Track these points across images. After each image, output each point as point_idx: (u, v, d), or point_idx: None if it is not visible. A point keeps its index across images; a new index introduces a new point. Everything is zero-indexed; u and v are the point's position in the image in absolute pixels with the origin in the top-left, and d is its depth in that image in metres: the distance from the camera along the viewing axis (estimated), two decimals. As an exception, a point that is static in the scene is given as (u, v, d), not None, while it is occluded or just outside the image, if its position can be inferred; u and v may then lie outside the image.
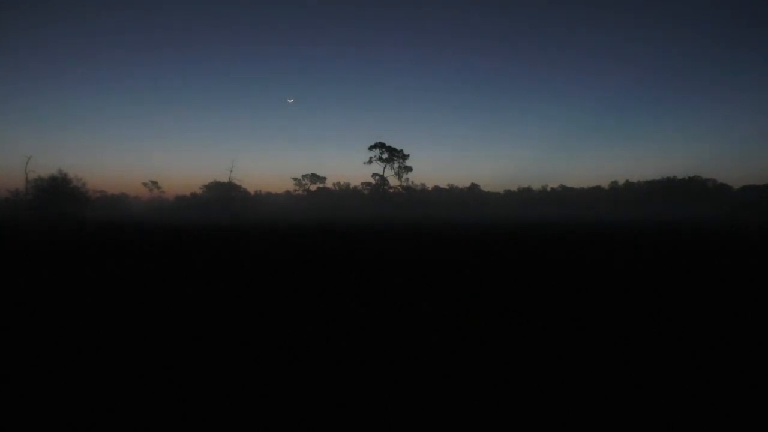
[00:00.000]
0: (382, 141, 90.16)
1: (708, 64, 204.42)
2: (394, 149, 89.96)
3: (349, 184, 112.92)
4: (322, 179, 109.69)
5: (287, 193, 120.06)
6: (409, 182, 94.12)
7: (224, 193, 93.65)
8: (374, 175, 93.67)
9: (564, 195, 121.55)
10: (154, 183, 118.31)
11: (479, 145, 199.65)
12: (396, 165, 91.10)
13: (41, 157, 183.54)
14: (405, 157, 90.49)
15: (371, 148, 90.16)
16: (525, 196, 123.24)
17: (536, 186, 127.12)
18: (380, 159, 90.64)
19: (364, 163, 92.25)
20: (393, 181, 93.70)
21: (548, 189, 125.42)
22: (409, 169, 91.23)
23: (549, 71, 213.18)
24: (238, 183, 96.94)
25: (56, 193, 62.13)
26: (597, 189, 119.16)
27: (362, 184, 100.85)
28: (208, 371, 4.25)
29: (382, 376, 4.14)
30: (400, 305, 7.05)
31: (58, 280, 9.49)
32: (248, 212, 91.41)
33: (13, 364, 4.44)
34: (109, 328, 5.70)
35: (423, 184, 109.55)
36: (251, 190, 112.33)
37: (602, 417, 3.41)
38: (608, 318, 6.30)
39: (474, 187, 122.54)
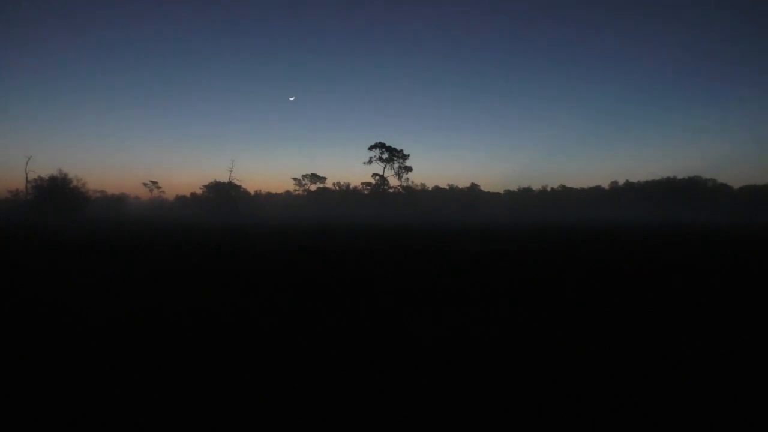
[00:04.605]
0: (382, 141, 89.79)
1: (708, 65, 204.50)
2: (394, 149, 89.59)
3: (349, 184, 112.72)
4: (322, 179, 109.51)
5: (287, 193, 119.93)
6: (409, 182, 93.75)
7: (224, 193, 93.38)
8: (374, 175, 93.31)
9: (564, 195, 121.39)
10: (154, 183, 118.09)
11: (479, 145, 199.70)
12: (396, 165, 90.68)
13: (41, 157, 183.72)
14: (405, 157, 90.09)
15: (371, 148, 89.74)
16: (525, 196, 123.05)
17: (536, 186, 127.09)
18: (380, 159, 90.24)
19: (364, 163, 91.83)
20: (393, 181, 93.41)
21: (548, 189, 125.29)
22: (409, 169, 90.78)
23: (550, 72, 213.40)
24: (238, 183, 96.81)
25: (56, 193, 62.09)
26: (597, 189, 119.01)
27: (362, 184, 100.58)
28: (208, 371, 4.25)
29: (383, 376, 4.14)
30: (401, 306, 7.05)
31: (55, 280, 9.49)
32: (248, 212, 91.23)
33: (12, 364, 4.45)
34: (108, 328, 5.70)
35: (423, 184, 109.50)
36: (251, 190, 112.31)
37: (600, 417, 3.42)
38: (608, 318, 6.31)
39: (474, 187, 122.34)
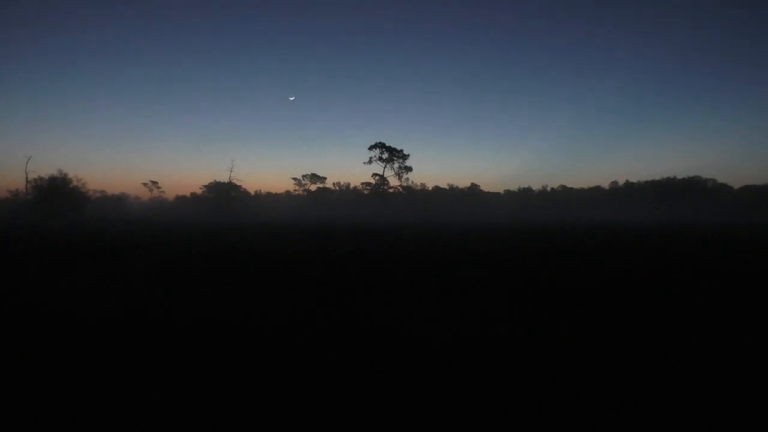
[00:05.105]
0: (382, 141, 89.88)
1: (708, 65, 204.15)
2: (394, 149, 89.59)
3: (349, 184, 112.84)
4: (322, 179, 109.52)
5: (287, 193, 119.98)
6: (409, 182, 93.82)
7: (224, 193, 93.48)
8: (374, 175, 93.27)
9: (564, 195, 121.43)
10: (154, 183, 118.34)
11: (479, 145, 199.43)
12: (396, 165, 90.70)
13: (41, 157, 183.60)
14: (405, 157, 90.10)
15: (371, 148, 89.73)
16: (525, 196, 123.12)
17: (536, 186, 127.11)
18: (380, 159, 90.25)
19: (364, 163, 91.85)
20: (393, 181, 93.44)
21: (548, 189, 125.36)
22: (409, 169, 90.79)
23: (550, 72, 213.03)
24: (238, 183, 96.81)
25: (56, 193, 62.10)
26: (597, 189, 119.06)
27: (362, 184, 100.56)
28: (208, 371, 4.25)
29: (383, 376, 4.14)
30: (401, 306, 7.06)
31: (54, 280, 9.49)
32: (248, 212, 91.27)
33: (12, 364, 4.45)
34: (108, 329, 5.70)
35: (423, 184, 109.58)
36: (251, 190, 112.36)
37: (600, 417, 3.42)
38: (608, 318, 6.31)
39: (474, 187, 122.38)
